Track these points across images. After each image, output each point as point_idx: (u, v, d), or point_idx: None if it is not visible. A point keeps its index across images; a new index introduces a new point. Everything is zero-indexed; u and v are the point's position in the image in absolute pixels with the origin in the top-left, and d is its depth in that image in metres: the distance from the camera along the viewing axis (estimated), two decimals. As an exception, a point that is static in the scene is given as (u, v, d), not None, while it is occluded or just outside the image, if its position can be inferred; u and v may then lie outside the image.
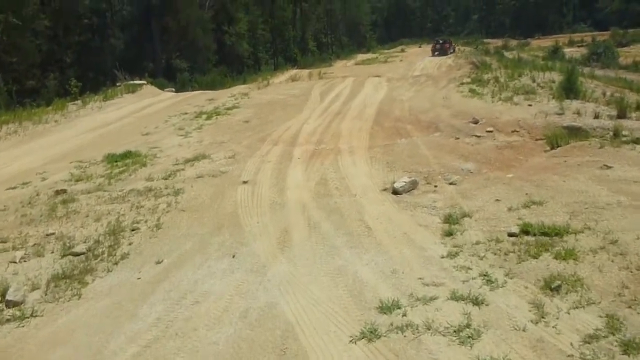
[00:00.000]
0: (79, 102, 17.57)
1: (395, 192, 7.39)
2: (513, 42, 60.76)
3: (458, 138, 10.12)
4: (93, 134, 13.25)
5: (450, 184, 7.67)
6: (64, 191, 8.59)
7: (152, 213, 7.31)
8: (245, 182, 8.30)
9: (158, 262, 5.79)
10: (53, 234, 6.79)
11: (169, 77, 33.69)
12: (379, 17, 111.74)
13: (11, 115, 15.34)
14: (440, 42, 46.56)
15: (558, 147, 9.03)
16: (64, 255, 6.12)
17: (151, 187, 8.35)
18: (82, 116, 15.73)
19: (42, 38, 33.46)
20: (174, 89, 23.45)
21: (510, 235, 5.65)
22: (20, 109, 16.67)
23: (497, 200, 6.72)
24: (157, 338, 4.29)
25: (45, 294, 5.18)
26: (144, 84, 20.78)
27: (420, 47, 71.59)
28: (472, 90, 14.46)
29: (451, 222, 6.13)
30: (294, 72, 27.98)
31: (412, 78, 19.80)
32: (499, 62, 22.38)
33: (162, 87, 23.03)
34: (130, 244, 6.34)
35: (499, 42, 57.95)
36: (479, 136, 10.08)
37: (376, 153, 9.42)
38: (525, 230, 5.67)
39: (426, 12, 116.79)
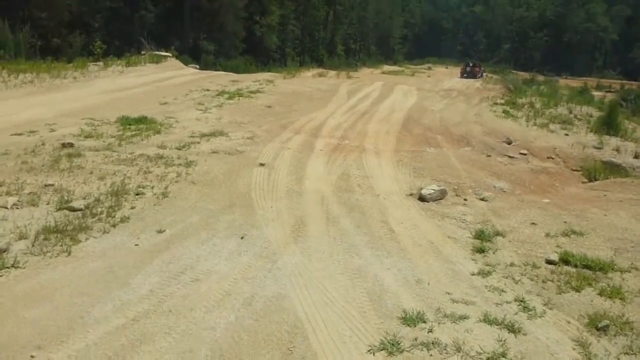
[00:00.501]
0: (100, 63, 17.12)
1: (422, 198, 6.86)
2: (540, 77, 60.24)
3: (490, 155, 9.58)
4: (110, 96, 12.77)
5: (482, 199, 7.13)
6: (71, 145, 8.11)
7: (160, 180, 6.80)
8: (262, 165, 7.78)
9: (160, 231, 5.27)
10: (52, 185, 6.29)
11: (194, 56, 33.25)
12: (410, 32, 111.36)
13: (30, 65, 14.90)
14: (471, 64, 45.79)
15: (596, 180, 8.50)
16: (59, 209, 5.61)
17: (162, 155, 7.84)
18: (101, 77, 15.28)
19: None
20: (197, 66, 23.00)
21: (549, 262, 5.11)
22: (41, 62, 16.21)
23: (533, 223, 6.17)
24: (147, 312, 3.76)
25: (32, 246, 4.67)
26: (168, 56, 20.33)
27: (447, 67, 71.09)
28: (506, 112, 13.92)
29: (483, 239, 5.59)
30: (320, 70, 27.52)
31: (443, 91, 19.29)
32: (535, 89, 21.83)
33: (186, 63, 22.58)
34: (132, 207, 5.83)
35: (526, 75, 57.43)
36: (512, 157, 9.55)
37: (403, 157, 8.89)
38: (565, 260, 5.12)
39: (458, 35, 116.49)
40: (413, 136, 10.72)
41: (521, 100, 15.91)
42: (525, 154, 9.82)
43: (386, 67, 60.98)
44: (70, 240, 4.87)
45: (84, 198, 5.97)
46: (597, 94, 43.35)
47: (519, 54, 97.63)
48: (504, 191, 7.60)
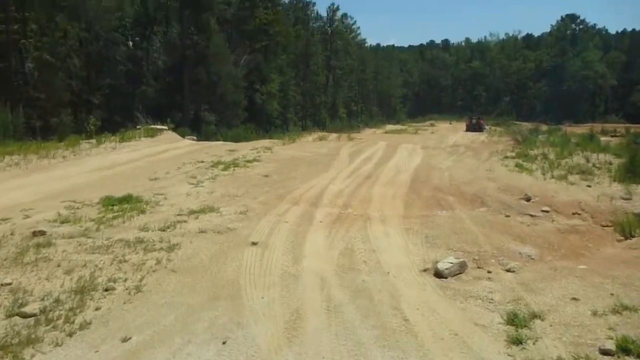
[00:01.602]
0: (93, 141, 16.59)
1: (439, 274, 5.90)
2: (544, 127, 59.90)
3: (509, 215, 8.65)
4: (98, 174, 12.08)
5: (508, 270, 6.16)
6: (43, 233, 7.27)
7: (135, 270, 5.91)
8: (254, 244, 6.88)
9: (124, 340, 4.34)
10: (9, 284, 5.43)
11: (196, 128, 33.07)
12: (410, 91, 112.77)
13: (18, 147, 14.34)
14: (476, 118, 47.04)
15: (632, 236, 7.52)
16: (9, 315, 4.74)
17: (143, 239, 6.98)
18: (93, 155, 14.67)
19: (75, 78, 33.45)
20: (195, 137, 22.53)
21: (604, 353, 4.12)
22: (32, 142, 15.71)
23: (574, 299, 5.17)
24: None
25: (-41, 374, 3.75)
26: (164, 129, 19.86)
27: (450, 123, 71.07)
28: (518, 165, 13.08)
29: (517, 324, 4.60)
30: (322, 133, 27.05)
31: (449, 147, 18.56)
32: (544, 139, 21.08)
33: (184, 134, 22.13)
34: (97, 308, 4.92)
35: (529, 125, 57.08)
36: (533, 215, 8.61)
37: (413, 224, 7.97)
38: (625, 348, 4.13)
39: (457, 91, 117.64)
40: (422, 199, 9.84)
41: (532, 151, 15.10)
42: (547, 211, 8.88)
43: (389, 127, 61.09)
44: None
45: (42, 299, 5.09)
46: (603, 139, 42.76)
47: (520, 105, 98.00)
48: (532, 258, 6.63)
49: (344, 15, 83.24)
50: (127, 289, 5.39)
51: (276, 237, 7.22)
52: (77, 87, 32.88)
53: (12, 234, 7.22)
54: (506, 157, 14.53)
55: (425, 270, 6.09)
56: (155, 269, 5.97)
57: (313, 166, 13.28)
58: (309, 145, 18.61)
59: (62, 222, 7.92)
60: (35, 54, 29.11)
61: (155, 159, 14.49)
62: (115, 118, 32.70)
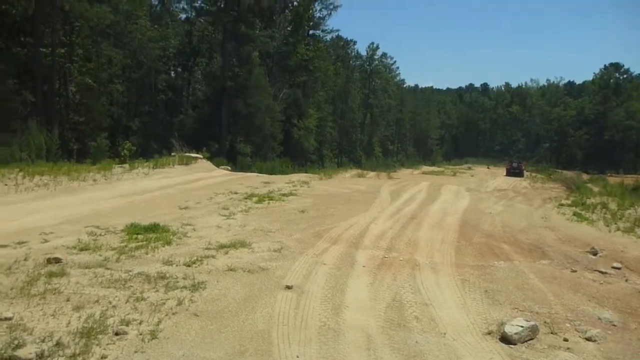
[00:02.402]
0: (126, 165, 16.19)
1: (507, 339, 4.96)
2: (585, 176, 57.95)
3: (575, 271, 7.63)
4: (127, 200, 11.52)
5: (588, 339, 5.16)
6: (58, 261, 6.62)
7: (153, 311, 5.14)
8: (289, 288, 6.05)
9: (128, 403, 3.54)
10: (9, 318, 4.74)
11: (231, 158, 32.81)
12: (447, 133, 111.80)
13: (50, 168, 13.99)
14: (517, 163, 48.16)
15: None
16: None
17: (166, 274, 6.24)
18: (124, 180, 14.21)
19: (115, 104, 33.80)
20: (229, 168, 22.04)
21: None
22: (65, 163, 15.40)
23: (683, 385, 4.17)
24: None
25: None
26: (199, 157, 19.43)
27: (488, 167, 69.79)
28: (577, 214, 11.99)
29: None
30: (359, 170, 26.29)
31: (497, 191, 17.52)
32: (601, 187, 19.84)
33: (219, 164, 21.68)
34: (102, 357, 4.15)
35: (570, 174, 55.31)
36: (604, 272, 7.57)
37: (468, 275, 7.03)
38: None
39: (495, 135, 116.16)
40: (474, 246, 8.88)
41: (590, 200, 13.96)
42: (619, 268, 7.82)
43: (425, 168, 60.13)
44: None
45: (42, 340, 4.36)
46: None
47: (559, 152, 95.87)
48: (614, 325, 5.60)
49: (384, 55, 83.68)
50: (140, 334, 4.61)
51: (313, 281, 6.38)
52: (117, 113, 33.13)
53: (25, 260, 6.60)
54: (561, 205, 13.44)
55: (489, 333, 5.14)
56: (175, 311, 5.20)
57: (352, 204, 12.45)
58: (348, 181, 17.85)
59: (81, 250, 7.28)
60: (79, 78, 29.48)
61: (187, 188, 13.91)
62: (152, 145, 32.76)
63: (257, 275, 6.51)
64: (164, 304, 5.36)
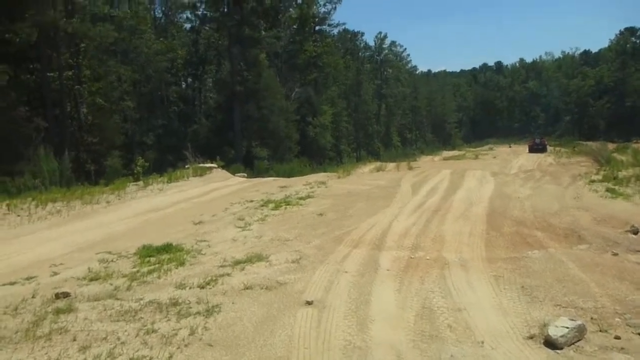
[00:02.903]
0: (140, 182, 15.94)
1: (552, 343, 4.46)
2: (611, 145, 56.48)
3: (617, 254, 7.07)
4: (140, 219, 11.22)
5: (644, 335, 4.64)
6: (66, 295, 6.29)
7: (164, 344, 4.76)
8: (309, 304, 5.62)
9: None
10: (11, 367, 4.40)
11: (248, 164, 32.56)
12: (465, 116, 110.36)
13: (62, 193, 13.78)
14: (539, 139, 48.32)
15: None
16: (-4, 420, 3.66)
17: (178, 299, 5.86)
18: (138, 198, 13.93)
19: (128, 120, 33.77)
20: (245, 175, 21.70)
21: None
22: (78, 187, 15.21)
23: None
24: None
25: None
26: (213, 167, 19.11)
27: (510, 146, 68.59)
28: (610, 190, 11.34)
29: None
30: (378, 163, 25.75)
31: (523, 173, 16.85)
32: (631, 156, 19.01)
33: (236, 171, 21.36)
34: (108, 406, 3.78)
35: (595, 145, 53.94)
36: (649, 253, 6.99)
37: (502, 270, 6.52)
38: None
39: (514, 113, 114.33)
40: (505, 236, 8.35)
41: (622, 173, 13.26)
42: (665, 247, 7.24)
43: (445, 153, 59.26)
44: None
45: (44, 392, 4.00)
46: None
47: (581, 124, 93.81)
48: (671, 315, 5.06)
49: (393, 43, 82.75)
50: (149, 374, 4.24)
51: (335, 293, 5.94)
52: (130, 129, 33.10)
53: (33, 297, 6.29)
54: (592, 182, 12.77)
55: (531, 338, 4.65)
56: (187, 342, 4.81)
57: (372, 201, 11.96)
58: (366, 177, 17.34)
59: (91, 280, 6.95)
60: (89, 99, 29.45)
61: (202, 200, 13.58)
62: (168, 158, 32.67)
63: (275, 291, 6.10)
64: (176, 334, 4.98)
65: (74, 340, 4.96)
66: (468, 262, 6.97)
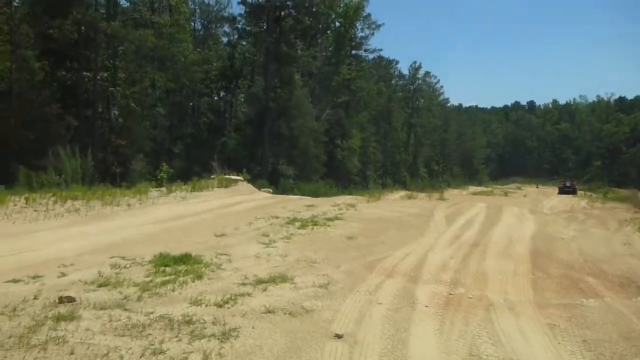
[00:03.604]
0: (163, 189, 15.50)
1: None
2: (641, 195, 54.72)
3: (685, 311, 6.25)
4: (159, 226, 10.69)
5: None
6: (71, 300, 5.74)
7: (172, 370, 4.13)
8: (338, 337, 4.94)
9: None
10: (-3, 380, 3.81)
11: (274, 181, 32.12)
12: (493, 152, 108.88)
13: (83, 192, 13.39)
14: (569, 182, 48.29)
15: None
16: None
17: (192, 317, 5.24)
18: (159, 204, 13.46)
19: (157, 127, 33.68)
20: (271, 190, 21.18)
21: None
22: (100, 187, 14.85)
23: None
24: None
25: None
26: (239, 179, 18.63)
27: (537, 187, 67.11)
28: (665, 239, 10.51)
29: None
30: (407, 192, 25.02)
31: (565, 213, 16.00)
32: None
33: (261, 187, 20.86)
34: None
35: (625, 192, 52.39)
36: None
37: (556, 318, 5.76)
38: None
39: (543, 153, 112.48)
40: (553, 279, 7.57)
41: (674, 222, 12.38)
42: None
43: (472, 188, 58.14)
44: None
45: (29, 414, 3.39)
46: None
47: (612, 170, 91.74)
48: None
49: (427, 74, 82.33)
50: (151, 408, 3.61)
51: (368, 327, 5.25)
52: (159, 136, 33.00)
53: (35, 299, 5.76)
54: (642, 228, 11.92)
55: (603, 405, 3.91)
56: (199, 370, 4.18)
57: (405, 229, 11.26)
58: (396, 203, 16.64)
59: (100, 285, 6.39)
60: (122, 102, 29.46)
61: (225, 212, 13.03)
62: (194, 168, 32.38)
63: (300, 319, 5.44)
64: (186, 359, 4.35)
65: (72, 353, 4.38)
66: (516, 305, 6.22)
